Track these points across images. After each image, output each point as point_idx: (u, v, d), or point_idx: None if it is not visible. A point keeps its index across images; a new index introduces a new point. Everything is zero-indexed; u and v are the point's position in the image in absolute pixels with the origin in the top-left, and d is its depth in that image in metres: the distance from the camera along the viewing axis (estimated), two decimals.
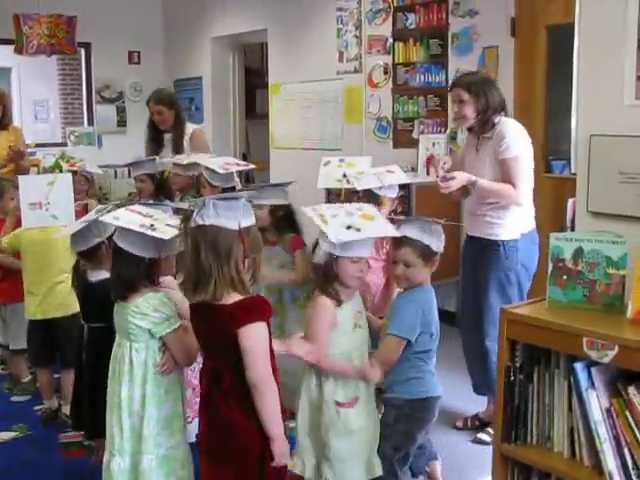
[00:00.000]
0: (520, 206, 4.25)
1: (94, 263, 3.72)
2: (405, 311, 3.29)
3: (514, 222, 4.28)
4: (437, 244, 3.29)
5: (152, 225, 3.05)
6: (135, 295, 3.14)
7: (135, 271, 3.12)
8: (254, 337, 2.78)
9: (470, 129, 4.45)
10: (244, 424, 2.84)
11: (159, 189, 5.48)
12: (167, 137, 6.27)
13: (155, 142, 6.31)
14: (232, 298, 2.78)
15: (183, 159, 5.42)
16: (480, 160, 4.33)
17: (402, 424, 3.33)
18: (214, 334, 2.85)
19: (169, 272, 3.29)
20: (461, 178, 4.16)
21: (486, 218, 4.32)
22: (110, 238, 3.37)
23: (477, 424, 4.61)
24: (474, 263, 4.42)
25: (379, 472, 3.31)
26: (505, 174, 4.19)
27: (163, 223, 3.09)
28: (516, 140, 4.21)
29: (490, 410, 4.42)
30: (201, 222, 2.79)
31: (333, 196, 4.97)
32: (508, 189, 4.16)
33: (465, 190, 4.33)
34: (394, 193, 4.27)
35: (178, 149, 6.10)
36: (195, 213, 2.82)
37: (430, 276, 3.41)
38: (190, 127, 6.29)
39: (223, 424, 2.87)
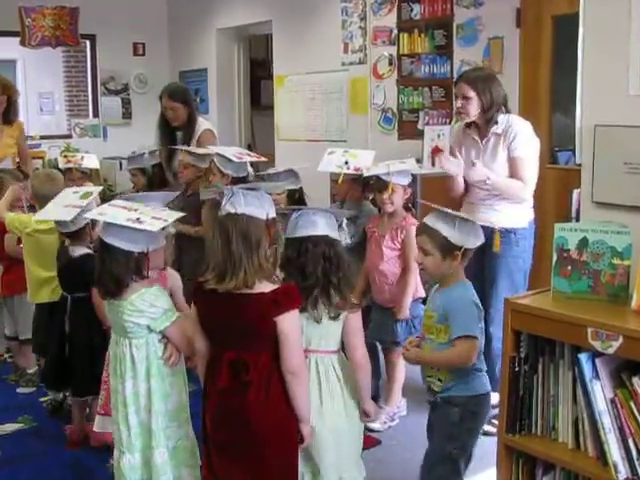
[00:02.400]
0: (524, 202, 4.37)
1: (76, 240, 4.08)
2: (466, 311, 3.18)
3: (523, 211, 4.40)
4: (459, 238, 3.20)
5: (138, 219, 3.03)
6: (126, 291, 3.12)
7: (123, 266, 3.09)
8: (294, 324, 2.83)
9: (469, 124, 4.47)
10: (271, 411, 2.85)
11: (151, 183, 5.48)
12: (179, 134, 6.11)
13: (167, 138, 6.06)
14: (265, 286, 2.80)
15: (197, 148, 5.42)
16: (490, 155, 4.38)
17: (468, 421, 3.23)
18: (245, 323, 2.83)
19: (159, 265, 3.28)
20: (479, 172, 4.30)
21: (497, 206, 4.39)
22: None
23: None
24: (481, 251, 4.42)
25: None
26: (515, 171, 4.28)
27: (149, 216, 3.07)
28: (528, 138, 4.31)
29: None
30: (232, 210, 2.81)
31: (333, 183, 4.98)
32: (518, 186, 4.29)
33: (466, 187, 4.44)
34: (406, 180, 4.32)
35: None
36: (225, 201, 2.83)
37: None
38: (201, 125, 6.10)
39: (248, 414, 2.84)
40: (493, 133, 4.37)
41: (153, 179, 5.62)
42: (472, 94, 4.31)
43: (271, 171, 4.86)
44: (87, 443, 4.26)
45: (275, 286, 2.82)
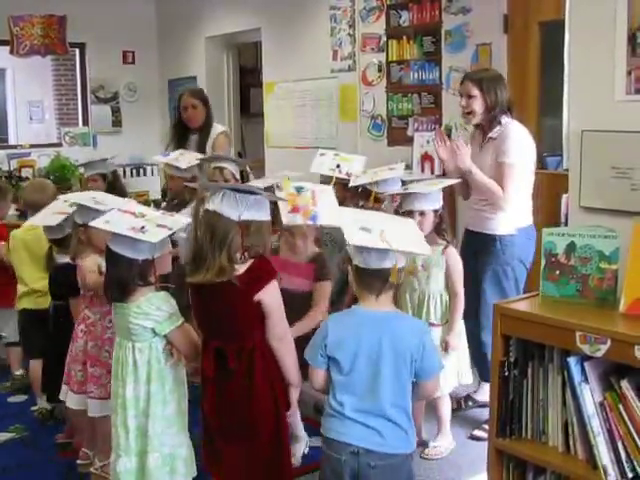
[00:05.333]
0: (503, 211, 4.32)
1: (61, 248, 4.15)
2: None
3: (510, 217, 4.34)
4: None
5: (143, 227, 3.05)
6: (132, 295, 3.15)
7: (127, 272, 3.12)
8: (274, 294, 2.98)
9: (477, 126, 4.49)
10: (257, 397, 3.00)
11: (110, 189, 5.28)
12: (192, 138, 6.04)
13: (181, 142, 5.98)
14: (239, 269, 2.91)
15: (179, 160, 5.41)
16: (482, 159, 4.37)
17: None
18: (224, 309, 2.96)
19: (165, 270, 3.32)
20: (463, 159, 4.26)
21: (484, 213, 4.40)
22: (86, 226, 3.60)
23: (471, 404, 4.75)
24: (474, 257, 4.45)
25: None
26: (498, 177, 4.26)
27: (154, 224, 3.09)
28: (518, 145, 4.26)
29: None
30: (207, 207, 2.94)
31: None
32: (497, 189, 4.25)
33: (466, 189, 4.44)
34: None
35: (203, 150, 5.86)
36: (207, 198, 2.96)
37: None
38: (217, 129, 6.08)
39: (234, 402, 3.01)
40: (489, 137, 4.38)
41: (113, 185, 5.59)
42: (476, 92, 4.33)
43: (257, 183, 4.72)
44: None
45: (246, 265, 2.93)
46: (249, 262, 2.95)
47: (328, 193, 3.92)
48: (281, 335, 3.05)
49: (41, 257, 4.42)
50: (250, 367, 2.99)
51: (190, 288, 3.07)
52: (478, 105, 4.34)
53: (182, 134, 6.05)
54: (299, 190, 3.79)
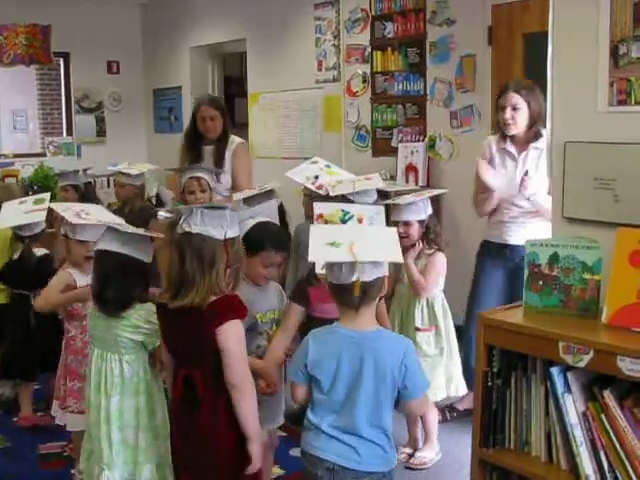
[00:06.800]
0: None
1: (35, 244, 4.69)
2: None
3: None
4: None
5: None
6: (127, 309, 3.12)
7: (137, 284, 3.12)
8: (233, 335, 2.80)
9: (505, 137, 4.40)
10: (222, 430, 2.83)
11: (83, 200, 5.30)
12: (207, 149, 5.75)
13: (194, 152, 5.70)
14: (209, 300, 2.79)
15: (129, 168, 5.47)
16: (533, 166, 4.31)
17: None
18: (191, 337, 2.83)
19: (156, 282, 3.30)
20: (531, 184, 4.23)
21: (529, 225, 4.36)
22: (67, 237, 3.90)
23: (455, 415, 4.73)
24: (508, 271, 4.42)
25: None
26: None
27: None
28: None
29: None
30: (188, 229, 2.81)
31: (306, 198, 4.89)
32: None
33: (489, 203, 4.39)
34: (371, 199, 4.19)
35: (220, 162, 5.63)
36: (182, 220, 2.83)
37: None
38: (235, 139, 5.83)
39: (199, 432, 2.85)
40: (533, 147, 4.31)
41: (86, 196, 5.62)
42: (522, 104, 4.26)
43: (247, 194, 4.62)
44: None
45: (215, 297, 2.80)
46: (218, 296, 2.81)
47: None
48: (235, 382, 2.79)
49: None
50: (216, 398, 2.83)
51: (161, 315, 2.94)
52: (523, 117, 4.27)
53: (195, 145, 5.76)
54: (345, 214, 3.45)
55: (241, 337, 2.85)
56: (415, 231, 4.10)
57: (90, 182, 5.90)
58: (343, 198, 4.07)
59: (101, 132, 10.35)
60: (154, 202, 6.45)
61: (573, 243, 2.71)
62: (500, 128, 4.49)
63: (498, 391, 2.71)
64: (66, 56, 10.01)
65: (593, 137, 2.89)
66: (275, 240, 3.43)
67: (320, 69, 7.76)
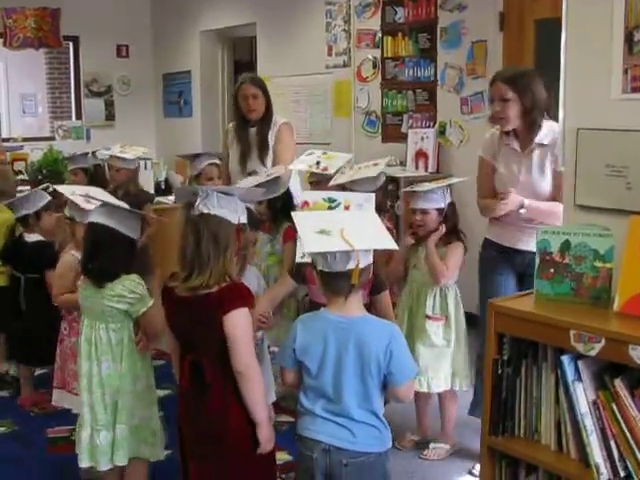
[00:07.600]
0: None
1: (29, 228, 4.77)
2: None
3: None
4: None
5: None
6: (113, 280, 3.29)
7: (123, 257, 3.30)
8: (240, 323, 2.81)
9: (508, 131, 3.99)
10: (232, 414, 2.85)
11: (92, 183, 5.33)
12: (251, 130, 5.53)
13: (243, 138, 5.50)
14: (219, 287, 2.80)
15: (124, 152, 5.54)
16: (538, 170, 3.94)
17: None
18: (198, 323, 2.84)
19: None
20: (513, 200, 3.86)
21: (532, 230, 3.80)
22: (47, 209, 4.69)
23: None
24: (517, 275, 4.12)
25: None
26: (556, 188, 3.78)
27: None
28: None
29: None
30: (205, 211, 2.82)
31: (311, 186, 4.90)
32: (558, 208, 3.47)
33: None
34: (372, 187, 4.09)
35: (264, 144, 5.44)
36: (199, 201, 2.84)
37: None
38: (278, 119, 5.59)
39: (210, 416, 2.86)
40: (538, 143, 3.90)
41: (95, 178, 5.66)
42: (510, 94, 3.82)
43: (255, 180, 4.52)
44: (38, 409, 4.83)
45: (223, 284, 2.81)
46: (226, 283, 2.81)
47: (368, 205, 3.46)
48: (242, 369, 2.80)
49: None
50: (226, 383, 2.83)
51: (167, 300, 2.94)
52: (514, 109, 3.84)
53: (243, 128, 5.55)
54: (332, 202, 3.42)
55: (248, 325, 2.86)
56: (432, 220, 4.01)
57: (99, 164, 5.89)
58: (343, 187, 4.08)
59: (110, 116, 10.36)
60: (163, 186, 6.53)
61: (585, 231, 2.68)
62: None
63: (508, 379, 2.69)
64: (75, 39, 10.00)
65: (606, 124, 2.86)
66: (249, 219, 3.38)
67: (330, 54, 7.74)
